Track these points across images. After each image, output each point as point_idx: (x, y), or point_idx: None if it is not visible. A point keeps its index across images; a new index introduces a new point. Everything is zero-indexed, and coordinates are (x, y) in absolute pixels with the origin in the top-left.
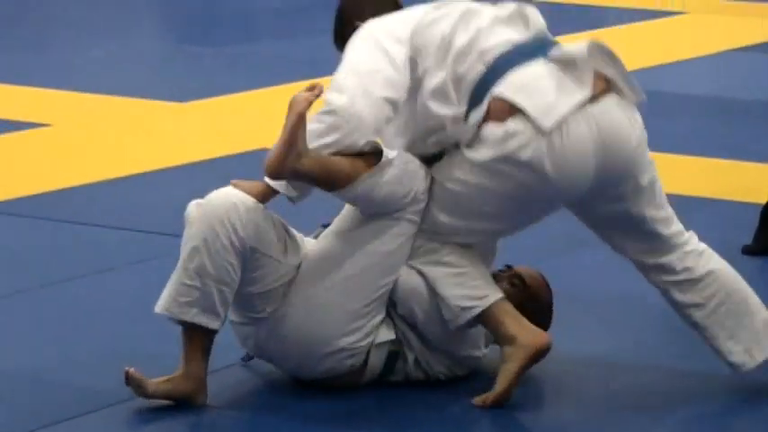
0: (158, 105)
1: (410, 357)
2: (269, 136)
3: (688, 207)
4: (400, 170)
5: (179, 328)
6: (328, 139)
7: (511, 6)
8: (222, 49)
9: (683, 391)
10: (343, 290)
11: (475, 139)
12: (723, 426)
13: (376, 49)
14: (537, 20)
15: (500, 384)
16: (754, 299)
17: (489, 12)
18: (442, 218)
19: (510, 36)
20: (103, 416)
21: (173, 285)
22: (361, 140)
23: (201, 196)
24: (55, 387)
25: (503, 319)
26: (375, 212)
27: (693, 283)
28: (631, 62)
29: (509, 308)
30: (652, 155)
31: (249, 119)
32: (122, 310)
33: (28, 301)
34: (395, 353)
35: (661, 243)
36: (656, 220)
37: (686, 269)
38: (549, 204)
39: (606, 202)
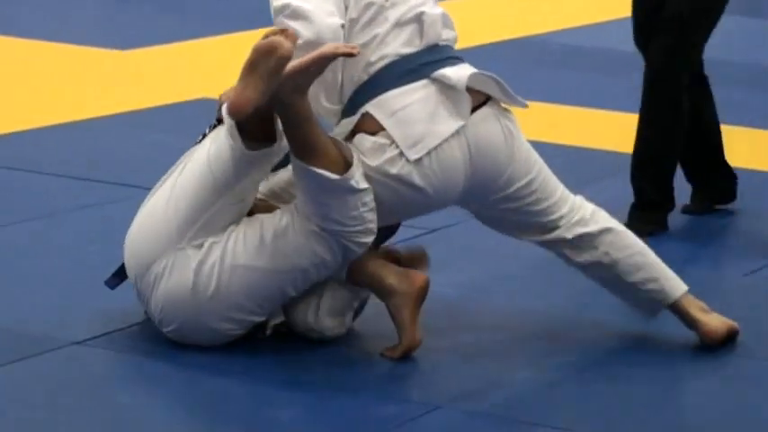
0: (99, 53)
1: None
2: (211, 85)
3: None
4: (358, 201)
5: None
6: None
7: (414, 11)
8: None
9: (578, 339)
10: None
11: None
12: (606, 371)
13: None
14: (432, 30)
15: (406, 337)
16: (647, 251)
17: (396, 12)
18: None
19: (399, 48)
20: (33, 363)
21: None
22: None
23: (139, 145)
24: None
25: (374, 273)
26: (306, 209)
27: (585, 246)
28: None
29: (376, 261)
30: (587, 111)
31: (190, 68)
32: (59, 256)
33: None
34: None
35: (545, 226)
36: (537, 212)
37: (576, 236)
38: (423, 209)
39: (483, 206)
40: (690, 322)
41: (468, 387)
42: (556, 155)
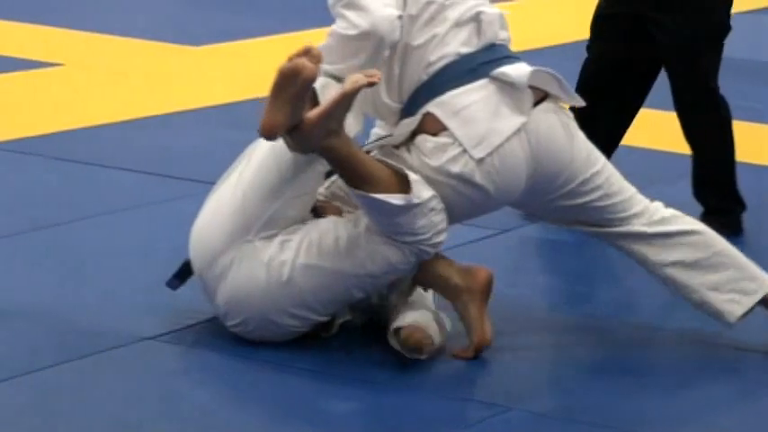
0: (171, 48)
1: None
2: None
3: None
4: (424, 216)
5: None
6: (356, 61)
7: (473, 10)
8: None
9: (644, 344)
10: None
11: (410, 147)
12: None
13: None
14: (490, 29)
15: (475, 334)
16: (730, 249)
17: (455, 12)
18: None
19: (459, 47)
20: (104, 358)
21: None
22: (379, 59)
23: (211, 141)
24: (57, 328)
25: (440, 274)
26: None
27: (667, 245)
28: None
29: (440, 262)
30: (656, 113)
31: (262, 64)
32: (131, 251)
33: (38, 239)
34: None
35: (615, 222)
36: (604, 208)
37: (658, 233)
38: (484, 209)
39: (546, 203)
40: None
41: (534, 389)
42: (626, 157)
